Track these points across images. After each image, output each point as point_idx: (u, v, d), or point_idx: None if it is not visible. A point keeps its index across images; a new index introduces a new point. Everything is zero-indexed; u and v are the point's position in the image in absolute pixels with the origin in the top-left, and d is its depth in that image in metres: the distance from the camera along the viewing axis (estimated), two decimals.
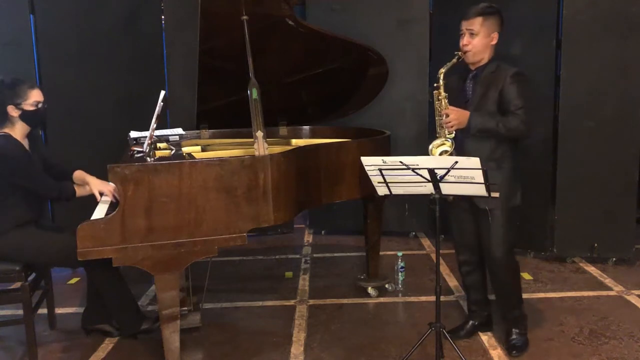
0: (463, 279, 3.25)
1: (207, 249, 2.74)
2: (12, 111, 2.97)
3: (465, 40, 2.87)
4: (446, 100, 2.88)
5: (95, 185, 3.09)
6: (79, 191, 3.09)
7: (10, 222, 2.97)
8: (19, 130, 3.01)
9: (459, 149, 2.84)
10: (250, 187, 2.75)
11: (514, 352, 3.01)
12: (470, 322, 3.23)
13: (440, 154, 2.84)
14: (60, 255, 2.95)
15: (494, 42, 2.89)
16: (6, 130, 2.98)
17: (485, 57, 2.90)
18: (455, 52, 2.88)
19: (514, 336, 3.06)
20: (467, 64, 2.94)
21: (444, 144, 2.86)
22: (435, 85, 2.89)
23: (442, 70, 2.87)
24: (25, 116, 2.99)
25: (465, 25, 2.88)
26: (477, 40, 2.85)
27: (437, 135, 2.90)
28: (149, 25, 4.66)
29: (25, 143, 3.06)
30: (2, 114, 2.96)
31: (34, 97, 3.01)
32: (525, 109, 2.78)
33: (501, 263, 2.96)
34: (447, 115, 2.82)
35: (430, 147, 2.88)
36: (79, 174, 3.22)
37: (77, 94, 4.39)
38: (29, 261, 3.01)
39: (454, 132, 2.84)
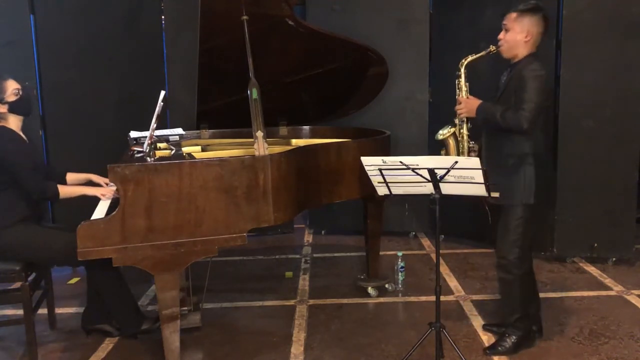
0: None
1: (207, 249, 2.74)
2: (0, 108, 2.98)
3: (500, 34, 2.92)
4: (466, 89, 3.00)
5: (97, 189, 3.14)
6: (64, 192, 3.03)
7: (13, 216, 2.97)
8: (13, 123, 3.02)
9: (484, 143, 2.99)
10: (250, 187, 2.75)
11: (488, 351, 2.99)
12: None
13: (444, 134, 3.04)
14: (62, 252, 2.94)
15: (528, 39, 2.86)
16: (1, 124, 3.00)
17: (519, 53, 2.89)
18: (491, 45, 2.94)
19: (504, 339, 2.99)
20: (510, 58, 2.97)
21: (449, 128, 3.05)
22: (457, 73, 2.99)
23: (465, 60, 2.98)
24: (13, 107, 3.00)
25: (503, 20, 2.92)
26: (509, 35, 2.88)
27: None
28: (149, 25, 4.66)
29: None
30: None
31: (11, 86, 3.00)
32: (531, 105, 2.73)
33: (502, 264, 2.93)
34: (460, 103, 2.98)
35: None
36: (84, 176, 3.29)
37: (77, 94, 4.38)
38: (31, 258, 3.01)
39: (465, 119, 3.01)
